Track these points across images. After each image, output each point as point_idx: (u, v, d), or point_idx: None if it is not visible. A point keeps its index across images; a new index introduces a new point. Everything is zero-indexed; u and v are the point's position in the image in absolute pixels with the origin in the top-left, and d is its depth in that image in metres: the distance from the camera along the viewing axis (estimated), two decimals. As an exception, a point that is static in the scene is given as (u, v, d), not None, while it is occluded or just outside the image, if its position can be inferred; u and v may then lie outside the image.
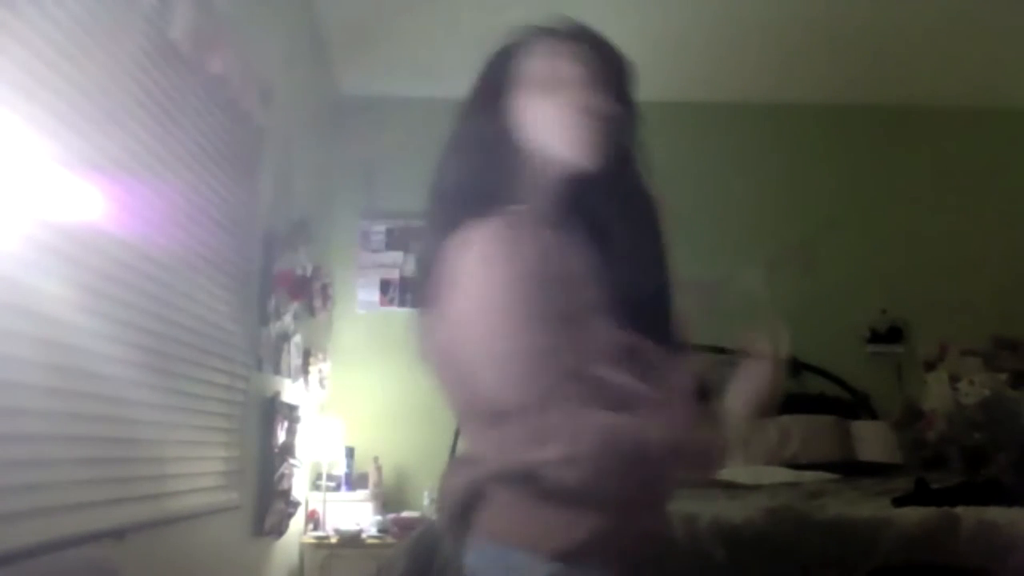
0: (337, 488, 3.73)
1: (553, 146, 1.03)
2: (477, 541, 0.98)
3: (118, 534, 1.78)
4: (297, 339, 3.35)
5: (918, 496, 1.99)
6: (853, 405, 3.94)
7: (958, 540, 1.70)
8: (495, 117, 1.05)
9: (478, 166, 1.04)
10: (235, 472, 2.66)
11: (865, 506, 1.97)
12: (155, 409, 2.05)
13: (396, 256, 4.18)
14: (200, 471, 2.41)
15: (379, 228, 4.20)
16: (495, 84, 1.07)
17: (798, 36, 3.76)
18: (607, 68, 1.06)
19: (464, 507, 0.99)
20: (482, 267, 0.92)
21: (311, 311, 3.60)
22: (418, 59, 3.96)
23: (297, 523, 3.45)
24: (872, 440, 3.62)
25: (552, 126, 1.03)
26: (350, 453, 3.80)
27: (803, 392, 3.97)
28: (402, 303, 4.13)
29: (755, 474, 3.02)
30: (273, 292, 3.02)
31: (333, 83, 4.21)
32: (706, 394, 1.04)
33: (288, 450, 3.14)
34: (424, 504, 3.70)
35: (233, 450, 2.66)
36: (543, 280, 0.92)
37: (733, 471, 3.19)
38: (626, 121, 1.07)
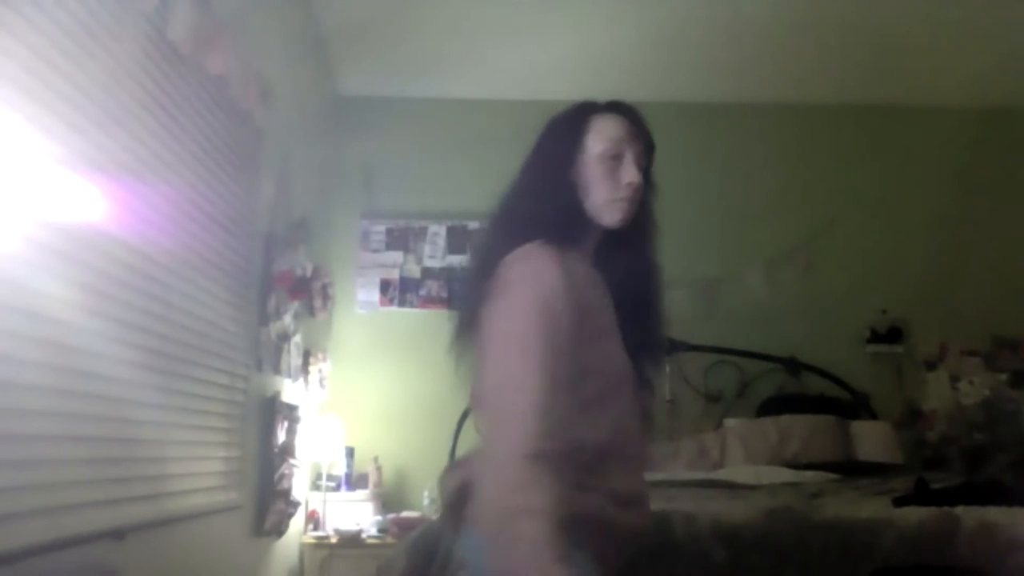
0: (337, 488, 3.73)
1: (599, 207, 1.26)
2: (468, 531, 1.11)
3: (118, 534, 1.78)
4: (297, 339, 3.35)
5: (918, 496, 1.99)
6: (853, 405, 3.94)
7: (958, 540, 1.70)
8: (563, 169, 1.27)
9: (541, 205, 1.25)
10: (235, 472, 2.67)
11: (865, 506, 1.96)
12: (155, 409, 2.05)
13: (396, 256, 4.18)
14: (200, 471, 2.41)
15: (379, 228, 4.20)
16: (569, 142, 1.29)
17: (798, 36, 3.75)
18: (646, 146, 1.30)
19: (458, 502, 1.13)
20: (517, 286, 1.12)
21: (311, 311, 3.60)
22: (418, 59, 3.96)
23: (297, 523, 3.45)
24: (872, 440, 3.62)
25: (602, 193, 1.25)
26: (350, 453, 3.80)
27: (803, 392, 3.97)
28: (402, 303, 4.13)
29: (755, 474, 3.02)
30: (273, 292, 3.02)
31: (333, 83, 4.21)
32: None
33: (288, 450, 3.14)
34: (424, 504, 3.70)
35: (233, 450, 2.66)
36: (563, 311, 1.09)
37: (733, 471, 3.19)
38: (648, 192, 1.31)
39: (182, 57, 2.15)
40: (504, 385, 1.06)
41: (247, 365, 2.79)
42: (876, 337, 4.10)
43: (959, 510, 1.79)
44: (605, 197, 1.25)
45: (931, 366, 3.51)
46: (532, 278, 1.13)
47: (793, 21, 3.62)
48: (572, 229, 1.24)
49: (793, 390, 4.00)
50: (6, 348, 1.42)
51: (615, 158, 1.26)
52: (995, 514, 1.75)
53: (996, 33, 3.69)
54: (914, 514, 1.80)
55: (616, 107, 1.32)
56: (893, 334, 4.09)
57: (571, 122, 1.31)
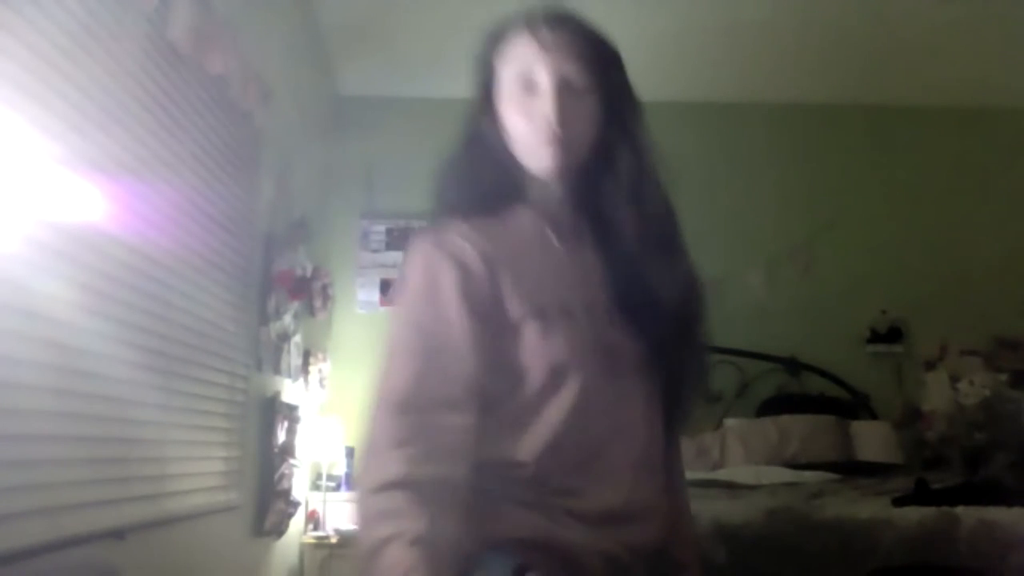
0: (337, 488, 3.73)
1: (526, 154, 1.02)
2: None
3: (118, 534, 1.78)
4: (297, 339, 3.34)
5: (918, 496, 1.99)
6: (853, 405, 3.94)
7: (958, 540, 1.70)
8: (483, 121, 1.05)
9: (465, 171, 1.05)
10: (235, 472, 2.66)
11: (865, 506, 1.97)
12: (155, 409, 2.05)
13: (396, 256, 4.17)
14: (200, 471, 2.41)
15: (379, 228, 4.20)
16: (484, 86, 1.06)
17: (797, 36, 3.75)
18: (589, 60, 1.01)
19: None
20: (396, 296, 0.98)
21: (311, 311, 3.60)
22: (418, 59, 3.96)
23: (297, 523, 3.45)
24: (872, 440, 3.62)
25: (522, 136, 1.01)
26: (350, 453, 3.80)
27: (803, 392, 3.97)
28: (402, 303, 4.13)
29: (755, 474, 3.02)
30: (273, 292, 3.02)
31: (333, 83, 4.21)
32: None
33: (288, 450, 3.14)
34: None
35: (233, 450, 2.66)
36: (445, 316, 0.92)
37: (733, 471, 3.20)
38: (616, 110, 1.04)
39: (182, 57, 2.14)
40: (371, 405, 0.91)
41: (247, 365, 2.79)
42: (876, 337, 4.10)
43: (959, 510, 1.79)
44: (525, 140, 1.00)
45: (931, 366, 3.50)
46: (404, 286, 0.97)
47: (793, 21, 3.62)
48: (482, 196, 1.02)
49: (793, 390, 3.99)
50: (6, 348, 1.41)
51: (528, 89, 1.00)
52: (995, 514, 1.75)
53: (996, 33, 3.69)
54: (914, 514, 1.80)
55: (534, 20, 1.02)
56: (893, 334, 4.09)
57: (484, 54, 1.06)
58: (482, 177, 1.04)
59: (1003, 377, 2.83)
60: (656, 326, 1.00)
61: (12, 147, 1.43)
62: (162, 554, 2.07)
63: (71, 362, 1.64)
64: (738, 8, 3.53)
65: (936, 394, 3.01)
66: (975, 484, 2.15)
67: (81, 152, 1.67)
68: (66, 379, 1.63)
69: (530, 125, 0.99)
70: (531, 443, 0.94)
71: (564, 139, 0.98)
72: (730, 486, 2.75)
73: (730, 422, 3.77)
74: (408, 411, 0.88)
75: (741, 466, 3.33)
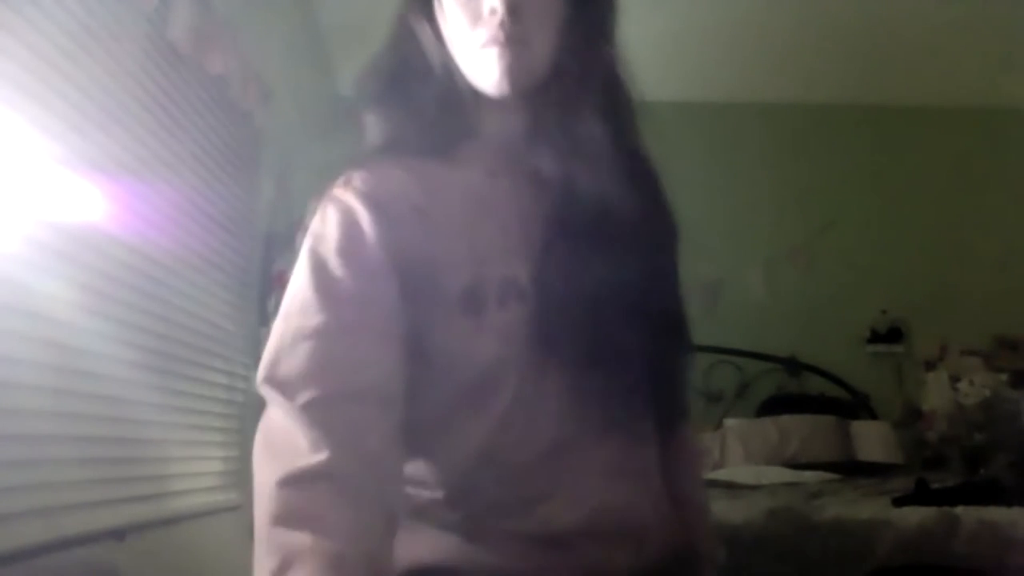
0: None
1: (472, 67, 0.80)
2: None
3: (118, 534, 1.77)
4: (297, 339, 3.34)
5: (918, 496, 1.99)
6: (853, 405, 3.94)
7: (958, 540, 1.71)
8: (419, 26, 0.85)
9: (398, 95, 0.84)
10: (235, 472, 2.66)
11: (865, 506, 1.97)
12: (155, 409, 2.05)
13: (396, 256, 4.17)
14: (200, 471, 2.41)
15: (379, 228, 4.19)
16: None
17: (796, 36, 3.75)
18: None
19: None
20: (313, 250, 0.80)
21: (311, 311, 3.59)
22: (418, 59, 3.95)
23: (297, 523, 3.44)
24: (872, 440, 3.62)
25: (466, 42, 0.79)
26: (350, 453, 3.80)
27: (803, 392, 3.97)
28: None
29: (755, 474, 3.02)
30: (273, 292, 3.02)
31: (333, 83, 4.21)
32: None
33: (288, 450, 3.14)
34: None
35: (233, 450, 2.66)
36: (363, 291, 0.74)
37: (733, 471, 3.20)
38: (584, 17, 0.84)
39: (182, 57, 2.14)
40: (268, 390, 0.73)
41: (247, 365, 2.79)
42: (876, 337, 4.10)
43: (959, 510, 1.79)
44: (470, 46, 0.79)
45: (931, 366, 3.51)
46: (317, 244, 0.80)
47: (792, 21, 3.62)
48: (419, 129, 0.81)
49: (793, 390, 3.99)
50: (6, 348, 1.41)
51: None
52: (995, 514, 1.75)
53: (996, 33, 3.69)
54: (914, 514, 1.80)
55: None
56: (893, 334, 4.09)
57: None
58: (419, 104, 0.82)
59: (1003, 377, 2.84)
60: (632, 301, 0.80)
61: (12, 147, 1.43)
62: (162, 554, 2.07)
63: (71, 362, 1.64)
64: (737, 8, 3.53)
65: (936, 394, 3.02)
66: (975, 484, 2.15)
67: (81, 152, 1.67)
68: (66, 379, 1.63)
69: (475, 25, 0.78)
70: (453, 454, 0.76)
71: (517, 36, 0.76)
72: (730, 486, 2.75)
73: (730, 422, 3.76)
74: (317, 406, 0.69)
75: (741, 466, 3.33)
